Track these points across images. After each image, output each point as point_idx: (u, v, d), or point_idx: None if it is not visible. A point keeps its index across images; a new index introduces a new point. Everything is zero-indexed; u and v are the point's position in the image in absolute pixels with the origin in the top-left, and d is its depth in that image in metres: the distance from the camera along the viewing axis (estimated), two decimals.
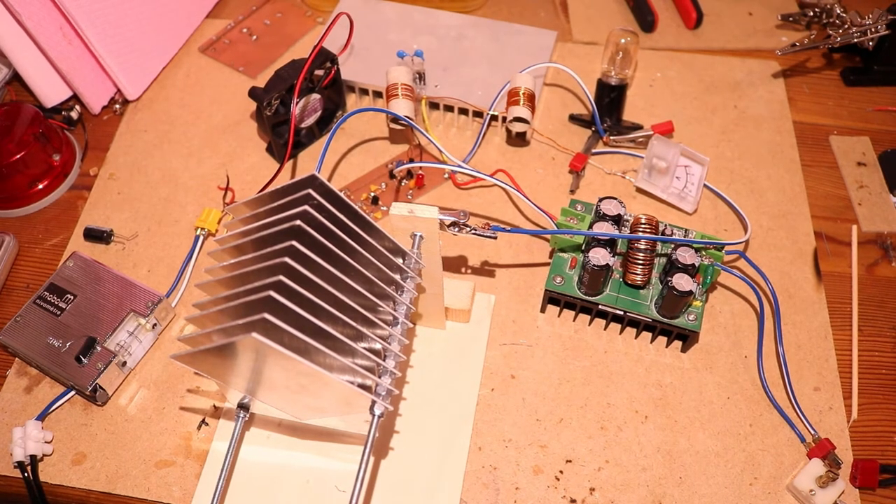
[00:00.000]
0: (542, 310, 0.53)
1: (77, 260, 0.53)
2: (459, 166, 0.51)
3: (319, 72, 0.59)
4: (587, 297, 0.50)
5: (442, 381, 0.50)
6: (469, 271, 0.56)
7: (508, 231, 0.47)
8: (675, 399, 0.50)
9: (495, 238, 0.45)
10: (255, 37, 0.71)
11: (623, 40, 0.62)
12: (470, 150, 0.62)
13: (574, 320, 0.53)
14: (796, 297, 0.54)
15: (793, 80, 0.69)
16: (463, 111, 0.63)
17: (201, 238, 0.57)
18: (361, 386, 0.38)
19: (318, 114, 0.62)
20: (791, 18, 0.70)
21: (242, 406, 0.43)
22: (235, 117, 0.66)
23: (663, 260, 0.51)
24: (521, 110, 0.57)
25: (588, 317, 0.53)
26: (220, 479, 0.42)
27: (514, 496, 0.46)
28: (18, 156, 0.57)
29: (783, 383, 0.50)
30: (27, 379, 0.51)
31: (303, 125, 0.61)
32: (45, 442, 0.47)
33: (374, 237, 0.41)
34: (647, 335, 0.52)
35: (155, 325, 0.51)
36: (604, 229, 0.49)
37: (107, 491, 0.46)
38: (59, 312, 0.50)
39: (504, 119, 0.61)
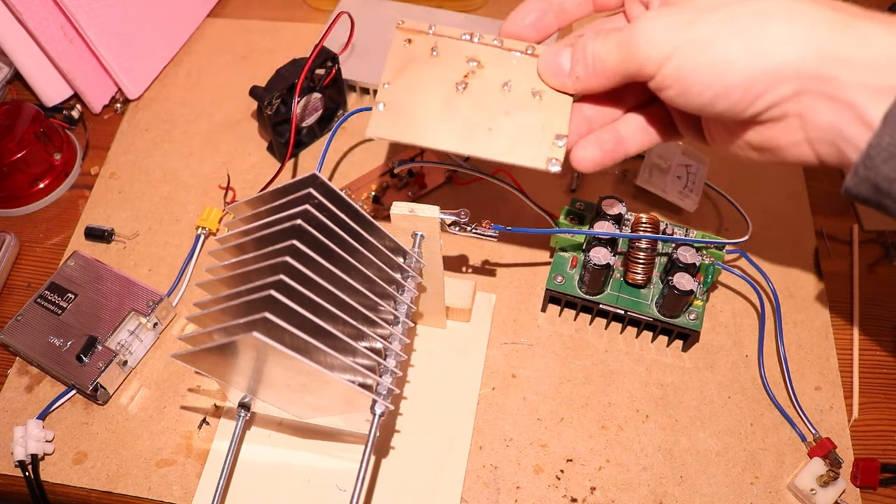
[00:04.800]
0: (543, 309, 0.53)
1: (78, 259, 0.53)
2: (460, 165, 0.51)
3: (320, 71, 0.59)
4: (588, 297, 0.50)
5: (443, 380, 0.50)
6: (470, 270, 0.56)
7: (509, 230, 0.47)
8: (676, 398, 0.50)
9: (496, 237, 0.45)
10: None
11: None
12: None
13: (575, 319, 0.53)
14: (797, 296, 0.54)
15: None
16: None
17: (202, 237, 0.57)
18: (362, 385, 0.38)
19: (319, 113, 0.62)
20: None
21: (243, 405, 0.43)
22: (236, 116, 0.66)
23: (664, 259, 0.51)
24: None
25: (589, 316, 0.52)
26: (220, 478, 0.42)
27: (515, 495, 0.46)
28: (19, 155, 0.57)
29: (784, 382, 0.50)
30: (28, 378, 0.51)
31: (304, 124, 0.61)
32: (46, 441, 0.47)
33: (375, 236, 0.41)
34: (647, 334, 0.52)
35: (156, 324, 0.51)
36: (604, 228, 0.49)
37: (108, 490, 0.46)
38: (60, 311, 0.50)
39: None
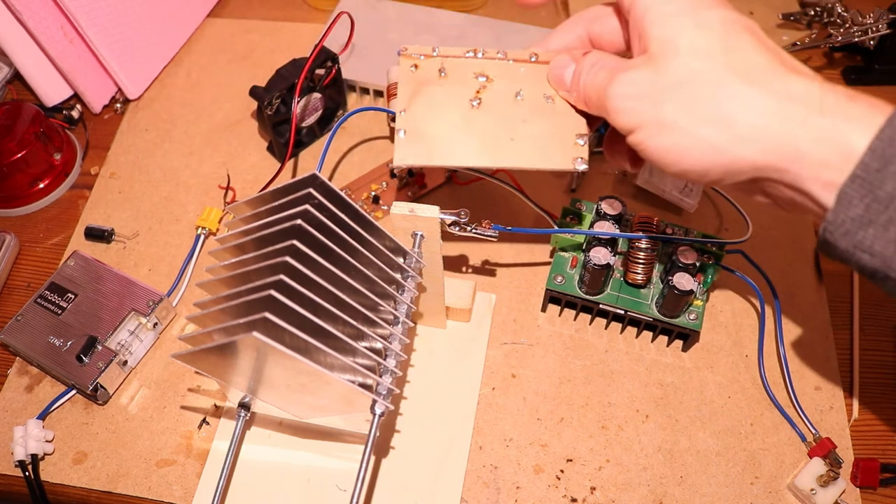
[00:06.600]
0: (543, 309, 0.53)
1: (78, 259, 0.53)
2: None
3: (320, 71, 0.59)
4: (588, 297, 0.50)
5: (443, 380, 0.50)
6: (470, 270, 0.56)
7: (509, 230, 0.47)
8: (676, 398, 0.50)
9: (496, 237, 0.45)
10: None
11: None
12: None
13: (575, 319, 0.53)
14: (797, 296, 0.54)
15: None
16: None
17: (202, 237, 0.57)
18: (362, 385, 0.38)
19: (319, 113, 0.62)
20: (792, 17, 0.70)
21: (243, 405, 0.43)
22: (236, 116, 0.66)
23: (664, 259, 0.51)
24: None
25: (589, 316, 0.52)
26: (220, 478, 0.42)
27: (515, 495, 0.46)
28: (19, 155, 0.57)
29: (784, 382, 0.50)
30: (28, 378, 0.51)
31: (304, 124, 0.61)
32: (46, 441, 0.47)
33: (375, 236, 0.41)
34: (647, 334, 0.52)
35: (156, 324, 0.51)
36: (604, 228, 0.49)
37: (108, 490, 0.46)
38: (60, 311, 0.50)
39: None
